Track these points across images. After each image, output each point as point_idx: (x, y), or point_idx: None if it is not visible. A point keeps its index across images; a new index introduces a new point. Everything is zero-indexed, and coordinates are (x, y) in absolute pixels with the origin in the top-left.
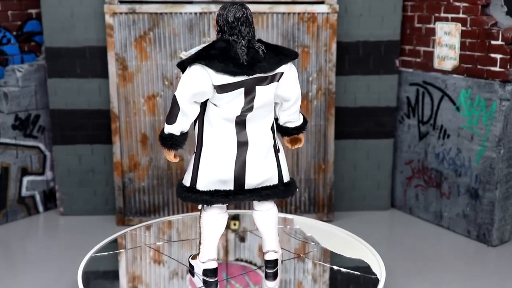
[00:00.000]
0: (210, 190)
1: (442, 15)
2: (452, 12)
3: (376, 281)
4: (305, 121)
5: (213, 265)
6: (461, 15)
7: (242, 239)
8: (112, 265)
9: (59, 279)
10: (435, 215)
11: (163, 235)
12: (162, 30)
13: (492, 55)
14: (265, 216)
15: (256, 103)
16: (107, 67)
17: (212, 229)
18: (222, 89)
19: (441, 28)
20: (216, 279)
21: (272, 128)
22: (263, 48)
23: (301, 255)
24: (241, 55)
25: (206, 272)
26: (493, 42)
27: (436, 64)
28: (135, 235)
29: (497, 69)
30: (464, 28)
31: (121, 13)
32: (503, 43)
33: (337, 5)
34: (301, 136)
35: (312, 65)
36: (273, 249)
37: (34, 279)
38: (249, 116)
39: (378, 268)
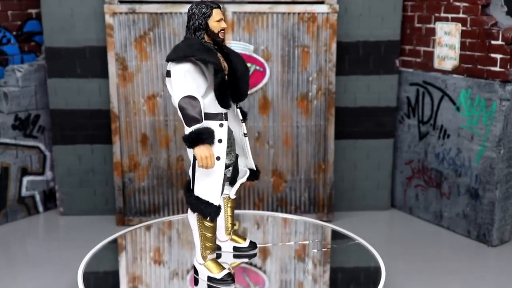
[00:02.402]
0: None
1: (442, 15)
2: (452, 12)
3: (376, 280)
4: (190, 136)
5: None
6: (461, 15)
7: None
8: (112, 265)
9: (59, 279)
10: (435, 215)
11: (163, 236)
12: (162, 30)
13: (492, 55)
14: None
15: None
16: (107, 67)
17: None
18: None
19: (441, 28)
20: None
21: None
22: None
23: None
24: None
25: None
26: (493, 42)
27: (436, 64)
28: (135, 235)
29: (497, 69)
30: (464, 28)
31: (121, 13)
32: (503, 43)
33: (337, 5)
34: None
35: (312, 65)
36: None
37: (34, 279)
38: None
39: (378, 268)
